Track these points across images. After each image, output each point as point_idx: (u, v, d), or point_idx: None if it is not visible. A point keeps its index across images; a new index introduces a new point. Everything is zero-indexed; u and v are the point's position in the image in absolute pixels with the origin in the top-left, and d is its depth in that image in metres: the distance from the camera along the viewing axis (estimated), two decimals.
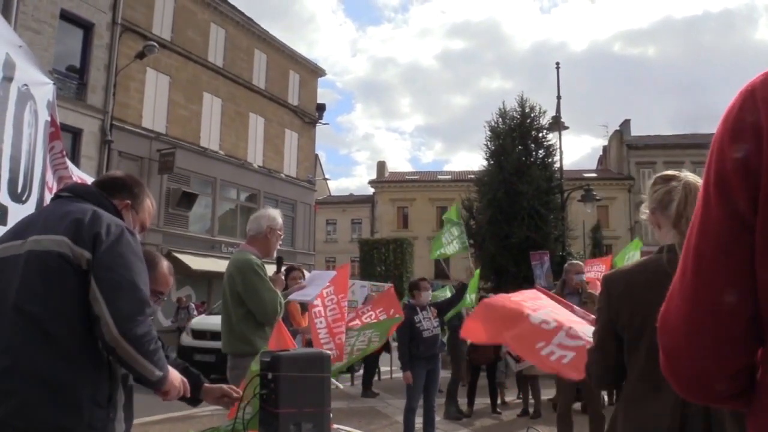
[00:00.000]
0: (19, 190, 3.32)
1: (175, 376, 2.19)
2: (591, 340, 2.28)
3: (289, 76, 29.74)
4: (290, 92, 29.75)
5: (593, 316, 3.12)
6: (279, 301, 3.91)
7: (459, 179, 44.29)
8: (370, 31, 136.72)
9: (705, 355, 0.90)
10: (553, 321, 2.76)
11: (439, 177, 49.11)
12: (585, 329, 2.74)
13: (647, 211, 2.13)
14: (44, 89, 3.87)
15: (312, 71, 31.67)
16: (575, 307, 3.23)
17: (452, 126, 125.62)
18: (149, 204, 2.41)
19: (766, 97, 0.84)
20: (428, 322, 6.77)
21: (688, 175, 2.02)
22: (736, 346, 0.89)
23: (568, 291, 6.57)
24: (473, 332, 3.06)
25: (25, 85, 3.43)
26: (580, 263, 7.09)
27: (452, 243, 10.00)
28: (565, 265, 7.27)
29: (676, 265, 0.94)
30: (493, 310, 2.98)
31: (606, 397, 9.75)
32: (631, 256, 10.72)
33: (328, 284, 5.27)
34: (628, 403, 1.99)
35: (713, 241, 0.87)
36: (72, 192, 2.20)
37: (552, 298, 3.19)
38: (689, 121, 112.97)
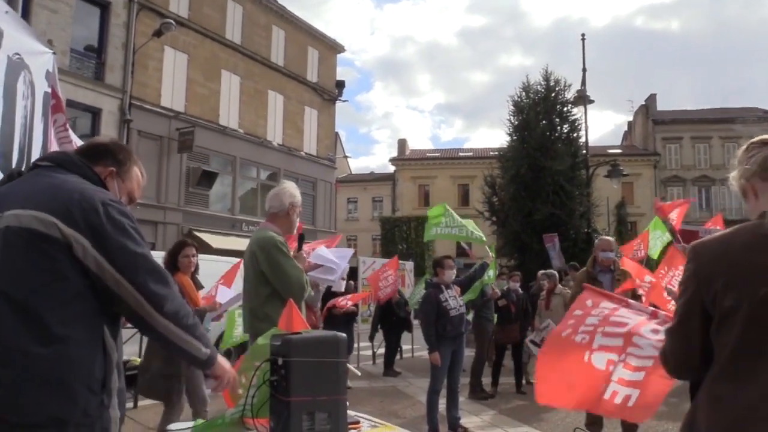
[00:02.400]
0: (14, 165, 3.11)
1: (222, 358, 2.14)
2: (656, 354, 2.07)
3: (307, 52, 29.38)
4: (309, 69, 29.41)
5: (652, 308, 2.84)
6: (305, 279, 3.75)
7: (481, 156, 43.84)
8: (388, 9, 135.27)
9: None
10: (614, 341, 2.60)
11: (461, 154, 48.63)
12: (647, 332, 2.54)
13: (740, 179, 1.82)
14: (41, 59, 3.65)
15: (331, 47, 31.26)
16: (630, 301, 2.95)
17: (472, 103, 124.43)
18: (137, 172, 2.20)
19: None
20: (454, 301, 6.55)
21: None
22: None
23: (599, 269, 6.27)
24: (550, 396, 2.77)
25: (17, 54, 3.20)
26: (609, 239, 6.73)
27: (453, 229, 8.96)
28: (596, 241, 6.94)
29: None
30: (557, 360, 2.77)
31: None
32: (657, 236, 10.16)
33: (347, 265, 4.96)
34: (715, 390, 1.65)
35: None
36: (52, 161, 2.02)
37: (606, 296, 2.94)
38: (715, 95, 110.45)
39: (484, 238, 8.23)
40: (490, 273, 8.37)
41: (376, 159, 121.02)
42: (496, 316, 9.63)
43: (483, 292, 9.18)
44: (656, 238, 9.92)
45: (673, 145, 43.98)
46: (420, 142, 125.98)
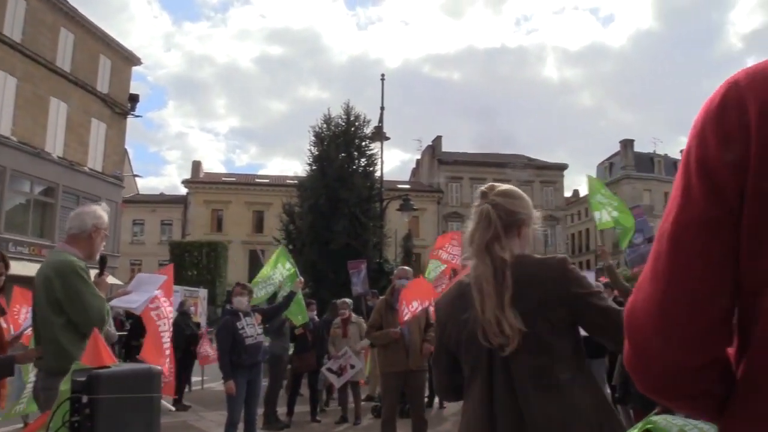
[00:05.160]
0: None
1: None
2: None
3: (99, 60, 27.27)
4: (100, 79, 27.28)
5: None
6: (106, 308, 3.37)
7: (277, 183, 43.90)
8: (187, 27, 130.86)
9: (676, 345, 0.87)
10: None
11: (257, 180, 48.25)
12: None
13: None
14: None
15: (126, 58, 29.38)
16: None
17: (268, 131, 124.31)
18: None
19: (751, 87, 0.85)
20: (252, 329, 6.41)
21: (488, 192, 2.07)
22: (709, 336, 0.87)
23: (396, 297, 6.58)
24: None
25: None
26: (406, 268, 7.15)
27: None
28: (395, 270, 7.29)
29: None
30: None
31: (438, 401, 10.07)
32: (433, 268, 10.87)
33: (158, 291, 4.66)
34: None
35: (694, 226, 0.86)
36: None
37: None
38: (487, 142, 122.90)
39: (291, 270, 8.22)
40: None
41: (166, 180, 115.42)
42: (292, 344, 9.60)
43: (281, 319, 9.11)
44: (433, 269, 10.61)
45: (455, 183, 47.89)
46: (213, 165, 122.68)
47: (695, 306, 0.86)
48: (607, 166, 56.42)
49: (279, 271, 8.14)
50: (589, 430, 1.77)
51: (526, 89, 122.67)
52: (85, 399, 2.06)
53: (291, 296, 7.16)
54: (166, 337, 5.06)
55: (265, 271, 8.28)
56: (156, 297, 4.73)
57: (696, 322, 0.86)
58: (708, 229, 0.85)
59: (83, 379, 2.11)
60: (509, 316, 1.80)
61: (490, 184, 2.13)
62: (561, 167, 51.56)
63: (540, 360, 1.81)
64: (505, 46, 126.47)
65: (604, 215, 6.95)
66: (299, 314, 8.66)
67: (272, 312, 7.18)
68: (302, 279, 7.70)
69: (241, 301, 6.57)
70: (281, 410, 9.06)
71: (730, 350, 0.91)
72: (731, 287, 0.85)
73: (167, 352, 5.13)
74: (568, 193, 55.34)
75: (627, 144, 54.16)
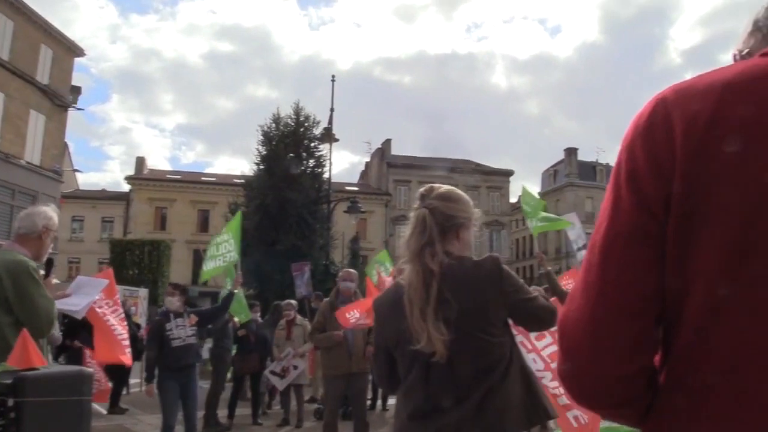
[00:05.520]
0: None
1: None
2: None
3: (40, 50, 26.28)
4: (40, 69, 26.30)
5: None
6: (55, 311, 3.27)
7: (224, 182, 43.24)
8: (134, 19, 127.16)
9: (606, 355, 0.90)
10: None
11: (203, 179, 47.42)
12: None
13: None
14: None
15: (68, 49, 28.42)
16: None
17: (216, 128, 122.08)
18: None
19: (678, 104, 0.88)
20: (181, 331, 6.27)
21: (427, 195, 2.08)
22: (638, 346, 0.90)
23: (341, 299, 6.57)
24: None
25: None
26: (351, 270, 7.16)
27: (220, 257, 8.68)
28: (339, 273, 7.29)
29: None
30: None
31: (381, 403, 10.08)
32: (378, 262, 10.98)
33: (100, 295, 4.53)
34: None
35: (623, 237, 0.89)
36: None
37: None
38: (436, 146, 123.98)
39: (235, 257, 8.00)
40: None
41: (108, 176, 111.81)
42: (235, 346, 9.48)
43: (225, 323, 8.98)
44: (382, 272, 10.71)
45: (403, 187, 48.13)
46: (158, 162, 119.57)
47: (624, 317, 0.88)
48: (552, 173, 57.76)
49: (226, 244, 7.90)
50: (520, 424, 1.82)
51: (475, 95, 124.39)
52: (10, 402, 1.99)
53: (230, 297, 7.02)
54: (125, 335, 5.00)
55: (221, 238, 8.05)
56: (97, 300, 4.62)
57: (625, 333, 0.88)
58: (636, 241, 0.88)
59: (9, 381, 2.03)
60: (431, 326, 1.83)
61: (429, 186, 2.13)
62: (507, 173, 52.47)
63: (476, 361, 1.85)
64: (456, 53, 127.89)
65: (535, 222, 7.21)
66: (242, 312, 8.58)
67: (210, 314, 7.02)
68: (241, 274, 7.54)
69: (171, 302, 6.45)
70: (222, 413, 8.93)
71: (656, 357, 0.94)
72: (659, 298, 0.88)
73: (127, 349, 5.08)
74: (513, 199, 56.27)
75: (571, 152, 55.56)
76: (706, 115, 0.85)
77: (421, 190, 2.11)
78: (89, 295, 4.21)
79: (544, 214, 7.43)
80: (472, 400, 1.81)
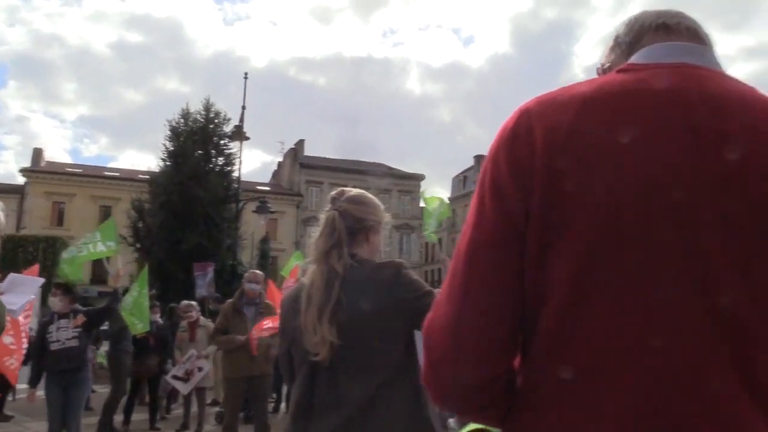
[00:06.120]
0: None
1: None
2: None
3: None
4: None
5: None
6: (4, 312, 3.00)
7: (128, 178, 41.57)
8: (36, 2, 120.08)
9: (467, 361, 0.91)
10: None
11: (106, 173, 45.42)
12: None
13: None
14: None
15: None
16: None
17: (122, 121, 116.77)
18: None
19: (540, 116, 0.90)
20: (62, 333, 5.99)
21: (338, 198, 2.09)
22: (498, 352, 0.92)
23: (246, 301, 6.47)
24: None
25: None
26: (257, 272, 7.04)
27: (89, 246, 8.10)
28: (245, 273, 7.16)
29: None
30: None
31: (285, 405, 9.95)
32: (292, 265, 11.00)
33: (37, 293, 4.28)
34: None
35: (486, 245, 0.91)
36: None
37: None
38: (349, 148, 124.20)
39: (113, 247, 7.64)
40: (142, 301, 7.93)
41: (2, 167, 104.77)
42: (132, 348, 9.11)
43: (122, 319, 8.57)
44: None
45: (315, 188, 47.97)
46: (58, 154, 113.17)
47: (487, 323, 0.90)
48: (462, 179, 59.27)
49: (94, 243, 7.57)
50: None
51: (390, 100, 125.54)
52: None
53: (114, 296, 6.63)
54: (17, 346, 4.73)
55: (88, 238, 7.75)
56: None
57: (486, 339, 0.91)
58: (499, 248, 0.89)
59: None
60: (325, 328, 1.83)
61: (340, 189, 2.14)
62: (419, 178, 53.34)
63: (362, 368, 1.85)
64: (372, 57, 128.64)
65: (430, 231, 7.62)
66: (140, 322, 7.99)
67: (95, 314, 6.58)
68: (120, 269, 7.08)
69: (54, 302, 6.20)
70: (117, 418, 8.58)
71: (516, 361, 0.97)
72: (519, 305, 0.90)
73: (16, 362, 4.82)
74: (423, 203, 57.45)
75: (480, 159, 56.86)
76: (566, 127, 0.87)
77: (332, 193, 2.12)
78: (25, 293, 3.98)
79: (435, 221, 7.79)
80: (351, 407, 1.81)
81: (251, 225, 25.50)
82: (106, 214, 42.34)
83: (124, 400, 8.87)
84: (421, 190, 24.22)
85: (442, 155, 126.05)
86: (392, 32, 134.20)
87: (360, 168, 47.77)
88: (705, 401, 0.81)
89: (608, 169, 0.85)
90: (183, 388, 8.63)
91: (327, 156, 52.50)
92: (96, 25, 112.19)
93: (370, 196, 2.15)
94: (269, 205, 19.39)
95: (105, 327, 8.70)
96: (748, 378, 0.81)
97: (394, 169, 52.63)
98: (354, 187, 2.30)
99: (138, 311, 7.97)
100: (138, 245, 20.88)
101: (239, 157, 20.84)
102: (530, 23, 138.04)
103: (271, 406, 9.18)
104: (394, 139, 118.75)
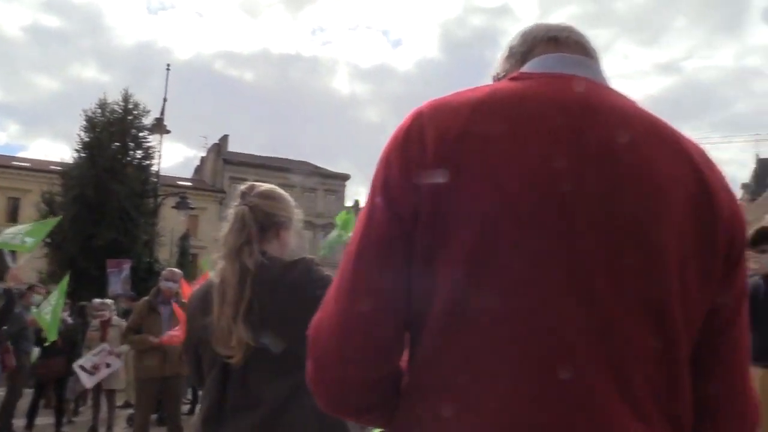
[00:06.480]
0: None
1: None
2: None
3: None
4: None
5: None
6: None
7: (39, 169, 39.46)
8: None
9: (353, 362, 0.91)
10: None
11: (14, 163, 43.00)
12: None
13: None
14: None
15: None
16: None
17: (35, 109, 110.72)
18: None
19: (432, 119, 0.91)
20: None
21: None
22: (384, 353, 0.93)
23: (161, 299, 6.27)
24: None
25: None
26: (174, 270, 6.85)
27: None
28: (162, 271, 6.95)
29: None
30: None
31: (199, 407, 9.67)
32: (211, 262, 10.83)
33: None
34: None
35: (375, 245, 0.91)
36: None
37: None
38: (274, 146, 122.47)
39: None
40: (60, 301, 7.53)
41: None
42: (37, 349, 8.64)
43: (22, 319, 8.12)
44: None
45: (239, 184, 46.65)
46: None
47: (373, 324, 0.90)
48: None
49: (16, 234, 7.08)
50: None
51: (317, 98, 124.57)
52: None
53: (8, 296, 6.27)
54: None
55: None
56: None
57: (372, 340, 0.91)
58: (387, 249, 0.89)
59: None
60: (240, 328, 1.77)
61: (251, 184, 2.09)
62: (344, 177, 53.27)
63: (273, 369, 1.80)
64: (300, 54, 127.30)
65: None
66: (51, 329, 7.65)
67: None
68: (17, 268, 6.73)
69: None
70: (20, 422, 8.14)
71: (402, 362, 0.96)
72: (406, 306, 0.90)
73: None
74: (349, 203, 57.27)
75: None
76: (456, 130, 0.88)
77: (242, 187, 2.06)
78: None
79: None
80: (264, 409, 1.77)
81: (171, 221, 24.75)
82: (14, 206, 40.19)
83: (27, 402, 8.43)
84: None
85: (370, 155, 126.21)
86: (321, 30, 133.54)
87: (285, 166, 47.21)
88: (580, 399, 0.82)
89: (496, 171, 0.86)
90: (87, 381, 8.12)
91: (252, 153, 51.62)
92: (8, 5, 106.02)
93: (281, 191, 2.11)
94: (190, 201, 18.85)
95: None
96: (622, 378, 0.84)
97: (321, 167, 52.34)
98: (279, 185, 2.25)
99: (53, 318, 7.59)
100: (47, 239, 19.88)
101: (159, 151, 20.22)
102: (458, 29, 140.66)
103: (186, 408, 8.95)
104: (320, 138, 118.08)
